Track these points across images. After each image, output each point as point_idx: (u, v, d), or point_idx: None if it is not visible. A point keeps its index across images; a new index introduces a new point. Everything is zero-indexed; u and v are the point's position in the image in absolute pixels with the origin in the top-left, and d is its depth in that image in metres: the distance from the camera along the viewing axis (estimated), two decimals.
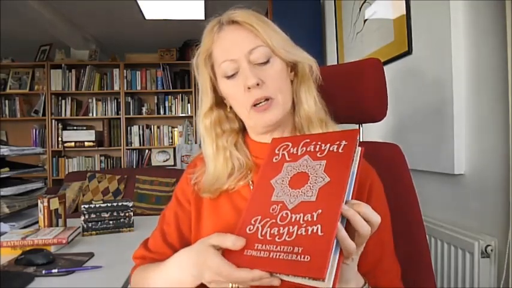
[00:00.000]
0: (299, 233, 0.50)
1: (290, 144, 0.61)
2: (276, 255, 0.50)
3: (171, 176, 3.57)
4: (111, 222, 1.42)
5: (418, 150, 1.36)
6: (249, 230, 0.55)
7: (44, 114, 4.05)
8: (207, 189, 0.72)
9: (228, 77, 0.69)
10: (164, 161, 4.26)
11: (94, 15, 3.57)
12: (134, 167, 4.18)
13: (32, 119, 4.08)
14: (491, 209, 1.10)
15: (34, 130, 4.10)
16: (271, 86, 0.68)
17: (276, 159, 0.61)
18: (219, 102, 0.75)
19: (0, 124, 4.06)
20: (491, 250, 1.07)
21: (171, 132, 4.29)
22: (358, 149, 0.55)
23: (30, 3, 3.02)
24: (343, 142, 0.55)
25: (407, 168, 0.89)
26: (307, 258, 0.47)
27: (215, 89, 0.74)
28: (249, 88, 0.66)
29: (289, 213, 0.53)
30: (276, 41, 0.69)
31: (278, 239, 0.51)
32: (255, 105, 0.67)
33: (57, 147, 4.07)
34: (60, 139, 4.07)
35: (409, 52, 1.44)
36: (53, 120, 4.07)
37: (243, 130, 0.77)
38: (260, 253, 0.52)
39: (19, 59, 4.11)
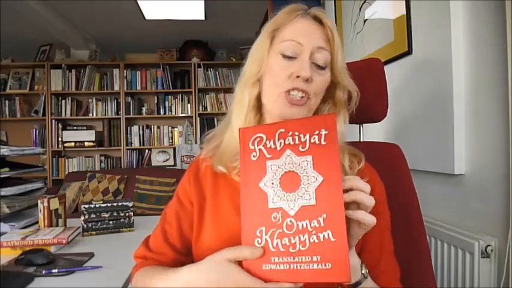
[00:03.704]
0: (311, 241, 0.51)
1: (264, 137, 0.57)
2: (297, 266, 0.51)
3: (171, 176, 3.57)
4: (111, 222, 1.42)
5: (418, 150, 1.36)
6: (258, 242, 0.54)
7: (44, 114, 4.05)
8: (220, 160, 0.73)
9: (284, 56, 0.69)
10: (164, 161, 4.25)
11: (94, 15, 3.57)
12: (134, 167, 4.18)
13: (32, 119, 4.08)
14: (491, 209, 1.10)
15: (34, 130, 4.10)
16: (315, 88, 0.68)
17: (254, 156, 0.56)
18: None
19: (0, 124, 4.06)
20: (491, 250, 1.07)
21: (171, 132, 4.29)
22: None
23: (30, 3, 3.03)
24: (323, 131, 0.53)
25: (408, 168, 0.89)
26: (329, 265, 0.50)
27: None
28: (297, 77, 0.67)
29: (294, 221, 0.52)
30: (339, 59, 0.70)
31: (292, 249, 0.52)
32: (288, 91, 0.67)
33: (57, 147, 4.07)
34: (60, 139, 4.07)
35: (409, 52, 1.44)
36: (53, 120, 4.07)
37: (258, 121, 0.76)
38: (279, 266, 0.52)
39: (19, 59, 4.10)
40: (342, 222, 0.50)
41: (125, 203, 1.45)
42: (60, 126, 4.09)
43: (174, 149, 4.18)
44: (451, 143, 1.21)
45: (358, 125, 1.04)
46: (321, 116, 0.57)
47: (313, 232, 0.51)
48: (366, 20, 1.79)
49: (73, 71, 4.09)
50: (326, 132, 0.52)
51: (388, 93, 0.92)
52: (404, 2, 1.44)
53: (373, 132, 1.57)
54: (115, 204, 1.43)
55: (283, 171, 0.54)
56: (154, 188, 3.49)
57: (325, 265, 0.50)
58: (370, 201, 0.53)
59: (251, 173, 0.56)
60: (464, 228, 1.18)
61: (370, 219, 0.53)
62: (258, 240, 0.54)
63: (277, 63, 0.69)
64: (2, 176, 1.47)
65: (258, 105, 0.74)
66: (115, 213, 1.43)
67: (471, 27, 1.16)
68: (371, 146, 0.79)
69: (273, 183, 0.54)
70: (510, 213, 1.00)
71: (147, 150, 4.27)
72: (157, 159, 4.26)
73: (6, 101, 4.08)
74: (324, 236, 0.50)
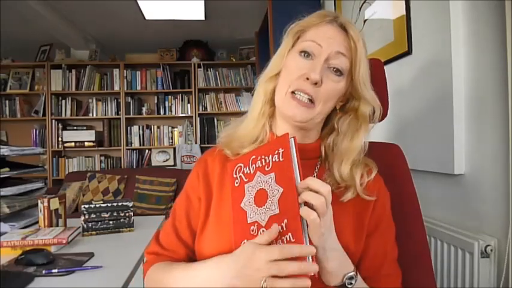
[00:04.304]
0: (278, 244, 0.58)
1: (242, 165, 0.67)
2: None
3: (171, 176, 3.57)
4: (111, 222, 1.42)
5: (418, 150, 1.36)
6: None
7: (44, 114, 4.05)
8: (228, 143, 0.76)
9: (301, 53, 0.70)
10: (164, 161, 4.26)
11: (94, 15, 3.57)
12: (134, 167, 4.18)
13: (32, 119, 4.09)
14: (491, 209, 1.10)
15: (34, 130, 4.10)
16: (324, 93, 0.69)
17: (236, 183, 0.66)
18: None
19: (0, 124, 4.06)
20: (491, 250, 1.07)
21: (171, 132, 4.29)
22: (292, 140, 0.60)
23: (30, 3, 3.02)
24: (281, 150, 0.61)
25: (408, 168, 0.89)
26: None
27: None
28: (307, 79, 0.67)
29: (265, 230, 0.60)
30: (361, 70, 0.70)
31: None
32: (294, 92, 0.69)
33: (57, 147, 4.07)
34: (60, 139, 4.07)
35: (409, 52, 1.44)
36: (53, 120, 4.07)
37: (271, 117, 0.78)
38: None
39: (19, 59, 4.11)
40: (298, 223, 0.56)
41: (125, 203, 1.45)
42: (60, 126, 4.09)
43: (174, 149, 4.19)
44: (451, 143, 1.21)
45: None
46: (278, 137, 0.63)
47: (279, 236, 0.58)
48: (366, 20, 1.79)
49: (73, 71, 4.09)
50: (283, 150, 0.60)
51: (388, 94, 0.92)
52: (404, 2, 1.44)
53: (373, 132, 1.57)
54: (115, 204, 1.43)
55: (256, 190, 0.63)
56: (155, 188, 3.49)
57: None
58: (315, 200, 0.55)
59: (235, 196, 0.66)
60: (464, 228, 1.18)
61: (306, 214, 0.55)
62: None
63: (293, 61, 0.71)
64: (2, 176, 1.47)
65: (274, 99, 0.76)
66: (115, 213, 1.43)
67: (471, 27, 1.16)
68: (371, 146, 0.79)
69: (249, 202, 0.63)
70: (510, 213, 1.00)
71: (147, 150, 4.27)
72: (157, 159, 4.26)
73: (7, 101, 4.08)
74: (286, 238, 0.57)
